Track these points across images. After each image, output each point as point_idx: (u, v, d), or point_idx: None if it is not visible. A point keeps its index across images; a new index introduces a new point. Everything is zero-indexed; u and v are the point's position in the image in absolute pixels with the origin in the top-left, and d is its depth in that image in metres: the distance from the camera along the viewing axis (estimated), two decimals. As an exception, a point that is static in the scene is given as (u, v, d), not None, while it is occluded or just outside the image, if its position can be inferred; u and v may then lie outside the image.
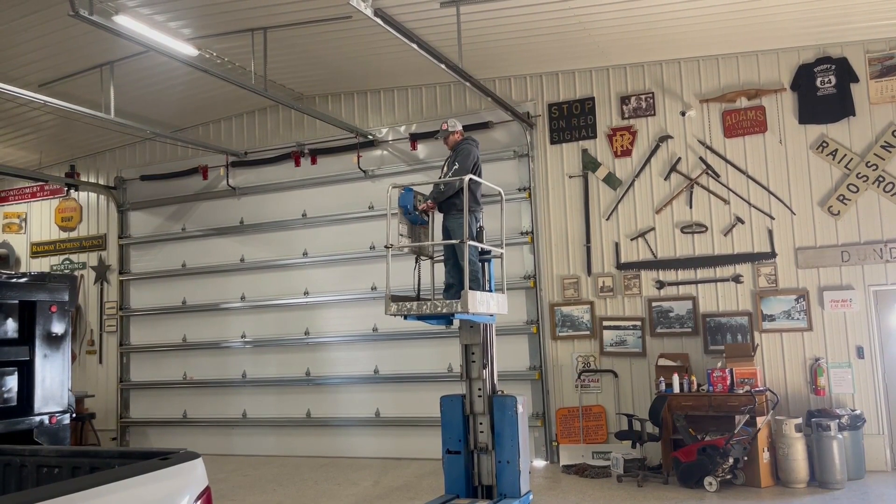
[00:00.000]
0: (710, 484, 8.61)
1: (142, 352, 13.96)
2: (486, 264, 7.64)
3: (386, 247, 7.16)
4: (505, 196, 11.13)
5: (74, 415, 7.55)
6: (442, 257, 7.68)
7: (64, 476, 3.60)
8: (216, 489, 9.83)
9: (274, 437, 12.65)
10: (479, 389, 7.35)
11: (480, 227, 7.63)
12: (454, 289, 7.25)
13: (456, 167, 7.34)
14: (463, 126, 11.46)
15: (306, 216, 12.77)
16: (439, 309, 6.82)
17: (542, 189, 11.22)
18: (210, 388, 13.21)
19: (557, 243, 11.08)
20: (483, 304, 6.96)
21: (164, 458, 3.35)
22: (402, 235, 7.41)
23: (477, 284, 7.18)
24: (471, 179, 7.04)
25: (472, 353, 7.41)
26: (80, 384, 13.98)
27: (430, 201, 7.44)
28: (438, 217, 7.75)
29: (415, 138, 12.05)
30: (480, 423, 7.37)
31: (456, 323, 7.34)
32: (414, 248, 7.59)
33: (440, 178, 7.67)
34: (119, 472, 3.10)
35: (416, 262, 7.67)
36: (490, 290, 7.57)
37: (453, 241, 7.15)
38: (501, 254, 7.70)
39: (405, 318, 7.19)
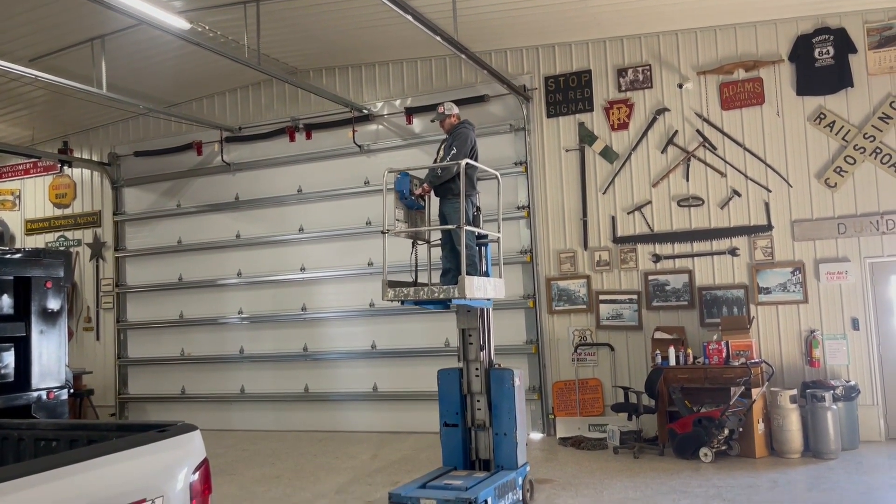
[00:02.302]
0: (706, 455, 8.69)
1: (139, 328, 13.97)
2: (482, 248, 7.62)
3: (382, 232, 7.13)
4: (501, 171, 11.19)
5: (72, 390, 7.57)
6: (439, 242, 7.66)
7: (62, 449, 3.61)
8: (215, 464, 9.88)
9: (272, 412, 12.71)
10: (477, 369, 7.38)
11: (477, 208, 7.59)
12: (451, 273, 7.23)
13: (454, 152, 7.28)
14: (459, 99, 11.50)
15: (301, 192, 12.71)
16: (436, 295, 6.82)
17: (538, 163, 11.17)
18: (208, 363, 13.24)
19: (554, 217, 11.06)
20: (480, 289, 6.95)
21: (162, 430, 3.36)
22: (398, 220, 7.38)
23: (474, 269, 7.17)
24: (468, 164, 7.00)
25: (470, 336, 7.43)
26: (78, 361, 14.00)
27: (426, 185, 7.40)
28: (435, 201, 7.72)
29: (410, 112, 11.96)
30: (478, 401, 7.40)
31: (453, 307, 7.33)
32: (410, 233, 7.56)
33: (436, 161, 7.61)
34: (117, 444, 3.10)
35: (413, 247, 7.65)
36: (487, 275, 7.56)
37: (450, 227, 7.13)
38: (498, 238, 7.67)
39: (402, 303, 7.18)
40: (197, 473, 3.37)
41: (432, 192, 7.53)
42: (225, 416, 12.98)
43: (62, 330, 7.20)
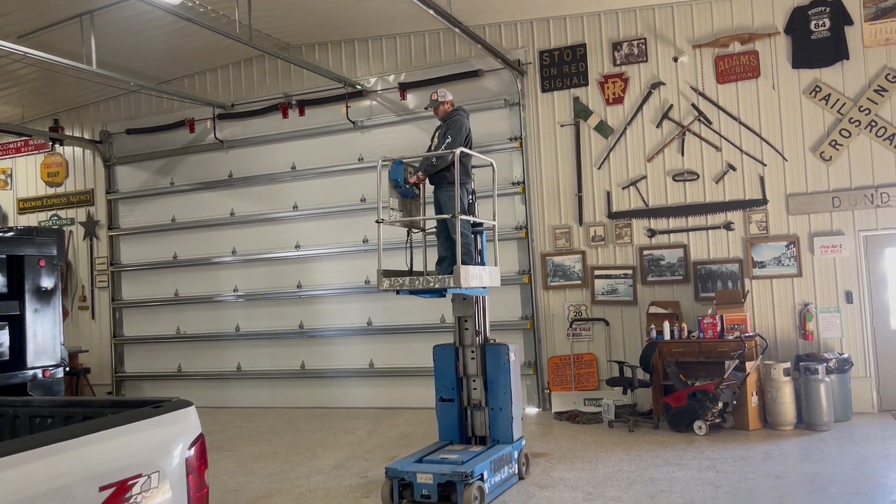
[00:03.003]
0: (700, 428, 8.76)
1: (134, 307, 13.96)
2: (478, 236, 7.60)
3: (377, 222, 7.10)
4: (496, 146, 11.19)
5: (68, 368, 7.57)
6: (434, 230, 7.63)
7: (57, 426, 3.61)
8: (212, 440, 9.94)
9: (269, 389, 12.75)
10: (473, 352, 7.39)
11: (472, 192, 7.56)
12: (447, 262, 7.21)
13: (448, 140, 7.22)
14: (453, 74, 11.44)
15: (295, 169, 12.65)
16: (432, 284, 6.80)
17: (533, 138, 11.12)
18: (204, 341, 13.25)
19: (549, 193, 11.03)
20: (476, 277, 6.94)
21: (157, 406, 3.36)
22: (392, 209, 7.35)
23: (469, 258, 7.15)
24: (462, 152, 6.95)
25: (466, 322, 7.44)
26: (74, 340, 14.02)
27: (420, 173, 7.36)
28: (430, 189, 7.67)
29: (404, 88, 11.87)
30: (474, 381, 7.43)
31: (449, 295, 7.33)
32: (405, 222, 7.53)
33: (430, 149, 7.55)
34: (112, 420, 3.10)
35: (408, 236, 7.62)
36: (483, 263, 7.55)
37: (445, 217, 7.10)
38: (494, 225, 7.65)
39: (397, 293, 7.16)
40: (192, 449, 3.38)
41: (427, 181, 7.49)
42: (222, 393, 13.02)
43: (56, 308, 7.18)
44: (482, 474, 6.46)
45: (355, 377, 12.18)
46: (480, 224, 7.57)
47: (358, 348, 12.19)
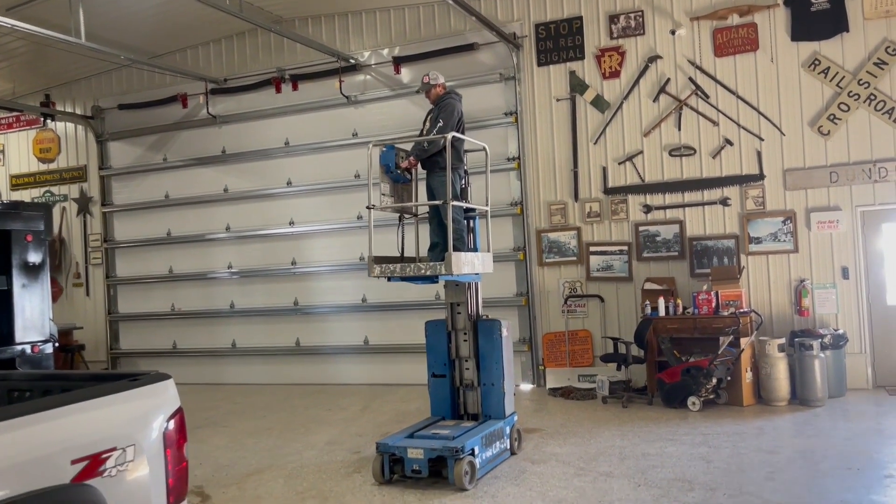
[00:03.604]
0: (694, 404, 8.74)
1: (129, 284, 13.90)
2: (471, 221, 7.51)
3: (368, 208, 7.00)
4: (491, 121, 11.07)
5: (57, 344, 7.52)
6: (426, 215, 7.53)
7: (35, 399, 3.55)
8: (206, 417, 9.96)
9: (264, 365, 12.73)
10: (465, 335, 7.33)
11: (465, 171, 7.45)
12: (439, 247, 7.13)
13: (440, 124, 7.10)
14: (447, 48, 11.30)
15: (289, 144, 12.52)
16: (423, 271, 6.73)
17: (528, 113, 10.99)
18: (198, 318, 13.22)
19: (544, 169, 10.93)
20: (468, 264, 6.86)
21: (134, 379, 3.30)
22: (384, 195, 7.25)
23: (462, 243, 7.07)
24: (454, 137, 6.83)
25: (458, 307, 7.37)
26: (69, 316, 13.99)
27: (412, 158, 7.24)
28: (422, 174, 7.56)
29: (398, 62, 11.71)
30: (466, 363, 7.38)
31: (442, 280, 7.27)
32: (397, 208, 7.44)
33: (422, 133, 7.43)
34: (87, 393, 3.04)
35: (400, 222, 7.53)
36: (475, 249, 7.46)
37: (437, 203, 7.00)
38: (487, 211, 7.55)
39: (388, 279, 7.09)
40: (171, 422, 3.32)
41: (419, 165, 7.38)
42: (217, 370, 13.00)
43: (45, 284, 7.11)
44: (473, 449, 6.44)
45: (350, 354, 12.15)
46: (473, 210, 7.49)
47: (353, 325, 12.15)
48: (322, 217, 12.27)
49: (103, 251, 14.01)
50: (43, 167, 14.64)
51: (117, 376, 3.44)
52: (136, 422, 3.17)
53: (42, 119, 14.14)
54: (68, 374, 3.98)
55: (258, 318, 12.82)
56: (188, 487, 3.48)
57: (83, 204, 14.17)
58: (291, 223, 12.53)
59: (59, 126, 14.43)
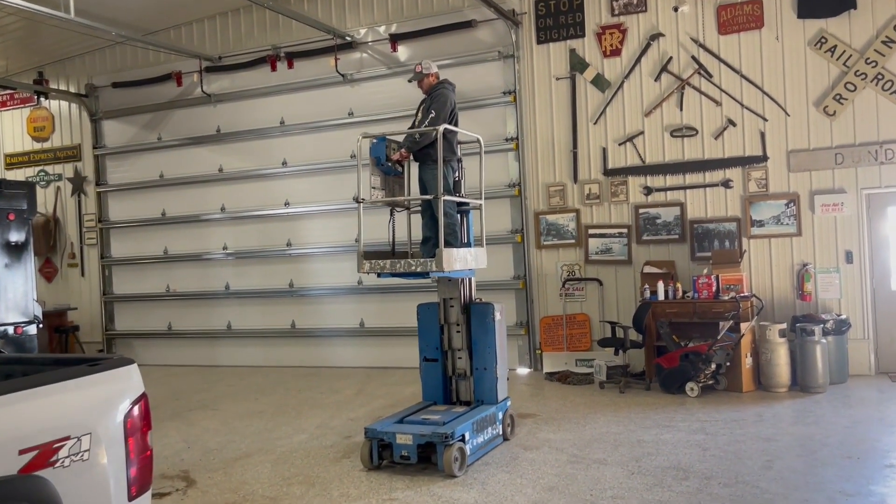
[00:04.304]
0: (692, 389, 8.58)
1: (124, 264, 13.77)
2: (464, 216, 7.30)
3: (357, 201, 6.79)
4: (489, 100, 10.84)
5: (42, 325, 7.38)
6: (418, 209, 7.32)
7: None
8: (199, 399, 9.84)
9: (259, 347, 12.61)
10: (458, 326, 7.16)
11: (459, 159, 7.24)
12: (432, 242, 6.93)
13: (432, 115, 6.86)
14: (445, 25, 11.05)
15: (284, 124, 12.32)
16: (414, 268, 6.53)
17: (527, 92, 10.75)
18: (194, 300, 13.09)
19: (543, 149, 10.71)
20: (460, 260, 6.65)
21: (94, 364, 3.14)
22: (374, 188, 7.03)
23: (455, 238, 6.87)
24: (447, 129, 6.61)
25: (451, 301, 7.20)
26: (63, 297, 13.90)
27: (403, 150, 7.02)
28: (414, 166, 7.34)
29: (395, 39, 11.46)
30: (459, 352, 7.22)
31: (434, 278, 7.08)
32: (388, 201, 7.23)
33: (414, 124, 7.21)
34: (39, 379, 2.88)
35: (391, 216, 7.32)
36: (469, 244, 7.26)
37: (428, 197, 6.79)
38: (480, 205, 7.34)
39: (378, 275, 6.89)
40: (134, 409, 3.16)
41: (411, 157, 7.16)
42: (212, 351, 12.89)
43: (28, 264, 6.97)
44: (463, 435, 6.29)
45: (346, 336, 12.02)
46: (467, 203, 7.29)
47: (348, 307, 12.01)
48: (318, 198, 12.08)
49: (98, 231, 13.87)
50: (37, 146, 14.47)
51: (78, 360, 3.28)
52: (94, 409, 3.02)
53: (36, 97, 13.94)
54: (31, 359, 3.83)
55: (253, 299, 12.68)
56: (153, 477, 3.33)
57: (77, 183, 14.01)
58: (287, 204, 12.35)
59: (53, 104, 14.24)
